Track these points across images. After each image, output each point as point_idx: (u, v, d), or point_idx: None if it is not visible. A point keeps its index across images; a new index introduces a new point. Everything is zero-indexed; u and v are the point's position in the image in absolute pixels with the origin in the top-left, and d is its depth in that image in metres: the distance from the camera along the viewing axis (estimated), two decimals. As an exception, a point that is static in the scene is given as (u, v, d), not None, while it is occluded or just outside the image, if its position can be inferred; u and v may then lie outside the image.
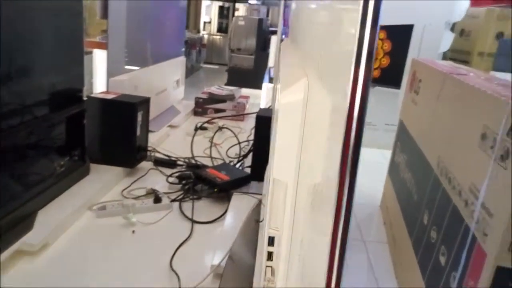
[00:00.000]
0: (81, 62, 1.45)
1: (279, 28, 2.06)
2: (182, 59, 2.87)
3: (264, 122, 1.46)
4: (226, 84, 5.51)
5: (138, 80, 2.02)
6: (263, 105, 3.15)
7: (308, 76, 0.34)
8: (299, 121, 0.33)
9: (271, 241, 0.44)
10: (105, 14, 1.84)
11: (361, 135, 0.27)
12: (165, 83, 2.47)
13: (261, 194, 1.42)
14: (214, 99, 2.57)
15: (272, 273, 0.44)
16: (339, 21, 0.31)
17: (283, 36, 2.15)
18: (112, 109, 1.53)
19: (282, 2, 2.01)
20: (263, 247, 0.45)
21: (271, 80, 3.90)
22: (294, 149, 0.33)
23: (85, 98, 1.48)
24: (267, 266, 0.45)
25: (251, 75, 5.62)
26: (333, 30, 0.33)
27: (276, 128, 0.34)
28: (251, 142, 1.94)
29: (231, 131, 1.87)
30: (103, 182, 1.46)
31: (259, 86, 4.73)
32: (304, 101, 0.32)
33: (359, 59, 0.26)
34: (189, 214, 1.33)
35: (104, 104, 1.53)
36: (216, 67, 8.27)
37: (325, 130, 0.31)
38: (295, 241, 0.35)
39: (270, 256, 0.45)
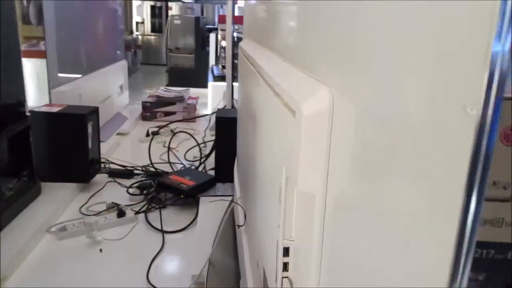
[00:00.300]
0: (21, 73, 1.34)
1: (228, 27, 2.03)
2: (123, 63, 2.75)
3: (224, 122, 1.45)
4: (167, 85, 5.37)
5: (81, 89, 1.91)
6: (210, 104, 3.11)
7: (325, 82, 0.33)
8: (326, 133, 0.32)
9: (286, 252, 0.44)
10: (39, 21, 1.70)
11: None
12: (109, 89, 2.36)
13: (229, 196, 1.40)
14: (163, 102, 2.49)
15: (291, 283, 0.44)
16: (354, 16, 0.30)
17: (234, 33, 2.13)
18: (60, 122, 1.43)
19: (230, 2, 1.99)
20: (276, 258, 0.44)
21: (215, 78, 3.86)
22: (322, 161, 0.33)
23: (28, 114, 1.37)
24: (283, 277, 0.44)
25: (193, 74, 5.52)
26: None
27: (296, 141, 0.33)
28: (209, 144, 1.91)
29: (189, 134, 1.83)
30: (58, 201, 1.36)
31: (202, 85, 4.66)
32: (330, 112, 0.32)
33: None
34: (157, 225, 1.28)
35: (51, 118, 1.42)
36: (154, 67, 8.03)
37: (351, 138, 0.30)
38: (325, 252, 0.34)
39: (285, 266, 0.44)
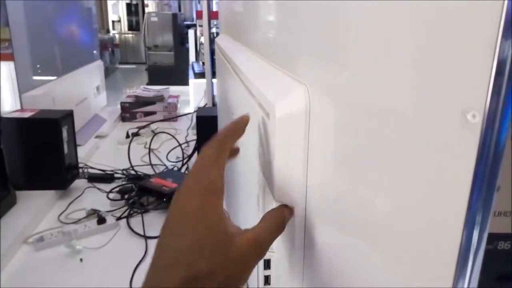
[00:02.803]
0: (-12, 79, 1.27)
1: (205, 22, 1.99)
2: (99, 63, 2.67)
3: (205, 122, 1.41)
4: (148, 84, 5.28)
5: (54, 93, 1.84)
6: (193, 102, 3.06)
7: (301, 80, 0.30)
8: (303, 136, 0.29)
9: (266, 264, 0.41)
10: (4, 21, 1.63)
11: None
12: (85, 91, 2.29)
13: (212, 196, 1.37)
14: (142, 101, 2.43)
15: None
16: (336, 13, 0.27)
17: (213, 29, 2.08)
18: (32, 128, 1.37)
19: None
20: (257, 270, 0.42)
21: (196, 75, 3.81)
22: (299, 168, 0.30)
23: (-2, 120, 1.31)
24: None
25: (173, 71, 5.44)
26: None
27: (270, 146, 0.30)
28: (192, 143, 1.87)
29: (170, 134, 1.79)
30: (34, 210, 1.31)
31: (183, 82, 4.59)
32: (307, 112, 0.29)
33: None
34: (139, 230, 1.24)
35: (22, 124, 1.36)
36: (133, 66, 7.91)
37: (331, 140, 0.28)
38: (307, 264, 0.32)
39: (267, 280, 0.41)
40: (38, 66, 1.84)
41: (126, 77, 6.85)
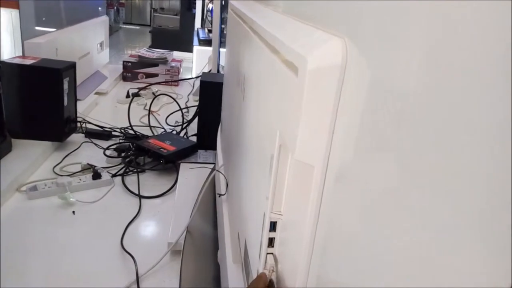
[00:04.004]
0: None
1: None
2: (104, 19, 2.61)
3: (209, 87, 1.38)
4: (150, 46, 5.18)
5: (57, 43, 1.80)
6: (194, 69, 3.01)
7: (338, 34, 0.29)
8: (334, 94, 0.28)
9: (272, 227, 0.40)
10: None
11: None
12: (88, 45, 2.24)
13: (210, 164, 1.36)
14: (145, 62, 2.39)
15: (276, 261, 0.40)
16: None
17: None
18: (33, 76, 1.34)
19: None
20: (262, 232, 0.41)
21: (201, 42, 3.74)
22: (326, 126, 0.28)
23: (-2, 64, 1.28)
24: (268, 253, 0.41)
25: (177, 36, 5.34)
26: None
27: (297, 101, 0.29)
28: (192, 109, 1.84)
29: (171, 97, 1.76)
30: (29, 159, 1.29)
31: (187, 49, 4.52)
32: (342, 68, 0.27)
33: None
34: (133, 189, 1.24)
35: (23, 71, 1.33)
36: (137, 27, 7.74)
37: (362, 104, 0.26)
38: (319, 231, 0.31)
39: (271, 242, 0.41)
40: (41, 16, 1.79)
41: (129, 37, 6.72)
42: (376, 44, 0.24)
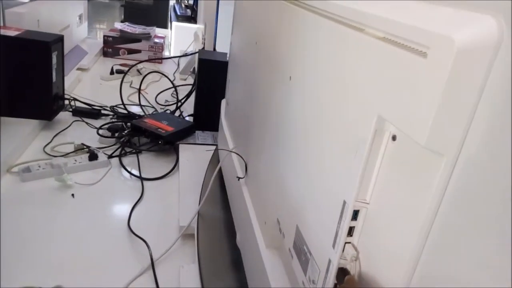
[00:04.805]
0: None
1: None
2: (82, -10, 2.46)
3: (208, 66, 1.34)
4: (122, 21, 4.97)
5: (39, 14, 1.68)
6: (173, 46, 2.91)
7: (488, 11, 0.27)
8: (481, 78, 0.26)
9: (354, 215, 0.39)
10: None
11: None
12: (68, 18, 2.11)
13: (209, 144, 1.33)
14: (127, 38, 2.29)
15: (356, 250, 0.39)
16: None
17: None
18: (19, 49, 1.24)
19: None
20: (340, 219, 0.39)
21: (179, 18, 3.62)
22: (465, 114, 0.27)
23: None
24: (346, 243, 0.40)
25: (151, 11, 5.14)
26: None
27: (438, 84, 0.27)
28: (181, 88, 1.79)
29: (164, 75, 1.69)
30: (17, 138, 1.21)
31: (161, 25, 4.36)
32: (495, 48, 0.25)
33: None
34: (133, 171, 1.19)
35: (8, 43, 1.23)
36: (106, 1, 7.41)
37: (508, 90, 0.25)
38: (437, 222, 0.29)
39: (350, 231, 0.39)
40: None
41: (97, 12, 6.42)
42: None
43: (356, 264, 0.39)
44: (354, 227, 0.39)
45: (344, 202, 0.39)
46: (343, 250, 0.40)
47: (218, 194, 1.06)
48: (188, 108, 1.64)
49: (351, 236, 0.40)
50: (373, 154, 0.36)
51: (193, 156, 1.26)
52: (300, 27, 0.54)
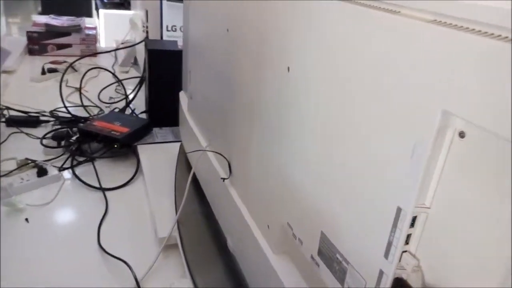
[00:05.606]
0: None
1: None
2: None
3: (159, 56, 1.23)
4: (41, 13, 4.54)
5: None
6: (103, 36, 2.70)
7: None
8: None
9: (412, 222, 0.34)
10: None
11: None
12: (-21, 14, 1.85)
13: (171, 142, 1.23)
14: (54, 32, 2.06)
15: (416, 259, 0.35)
16: None
17: None
18: None
19: None
20: (399, 227, 0.35)
21: (107, 5, 3.36)
22: None
23: None
24: (403, 251, 0.35)
25: (72, 0, 4.74)
26: None
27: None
28: (128, 81, 1.65)
29: (108, 70, 1.53)
30: None
31: (85, 13, 4.05)
32: None
33: None
34: (90, 182, 1.07)
35: None
36: (16, -8, 6.74)
37: None
38: None
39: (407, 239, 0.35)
40: None
41: (8, 4, 5.81)
42: None
43: (418, 275, 0.35)
44: (410, 234, 0.35)
45: (399, 209, 0.34)
46: (399, 260, 0.36)
47: (193, 196, 0.98)
48: (139, 103, 1.51)
49: (407, 244, 0.35)
50: (435, 154, 0.31)
51: (156, 157, 1.16)
52: (301, 11, 0.47)
